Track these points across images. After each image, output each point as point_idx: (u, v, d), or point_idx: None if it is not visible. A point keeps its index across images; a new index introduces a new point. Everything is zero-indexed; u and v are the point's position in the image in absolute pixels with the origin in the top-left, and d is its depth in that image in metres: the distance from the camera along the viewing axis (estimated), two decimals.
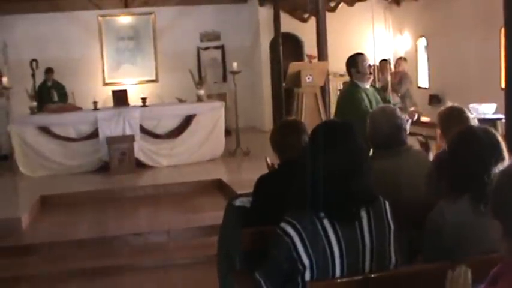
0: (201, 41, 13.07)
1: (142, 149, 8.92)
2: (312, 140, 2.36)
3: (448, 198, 2.40)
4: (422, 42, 11.85)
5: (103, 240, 5.90)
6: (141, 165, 8.83)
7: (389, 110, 3.47)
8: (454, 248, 2.29)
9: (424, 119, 8.08)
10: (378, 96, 5.49)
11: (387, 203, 2.32)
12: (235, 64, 9.72)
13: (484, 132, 2.42)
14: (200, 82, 10.01)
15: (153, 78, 12.95)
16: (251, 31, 12.94)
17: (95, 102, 9.32)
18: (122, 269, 5.36)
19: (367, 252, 2.22)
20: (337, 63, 8.74)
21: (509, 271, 1.55)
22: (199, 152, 9.19)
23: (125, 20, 12.87)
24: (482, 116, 7.33)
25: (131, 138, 8.67)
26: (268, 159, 3.92)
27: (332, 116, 7.07)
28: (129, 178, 8.30)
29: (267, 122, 12.35)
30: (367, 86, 5.43)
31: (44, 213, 7.00)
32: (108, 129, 8.77)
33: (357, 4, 11.63)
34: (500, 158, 2.34)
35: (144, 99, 9.37)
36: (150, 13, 12.82)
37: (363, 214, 2.23)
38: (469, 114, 3.50)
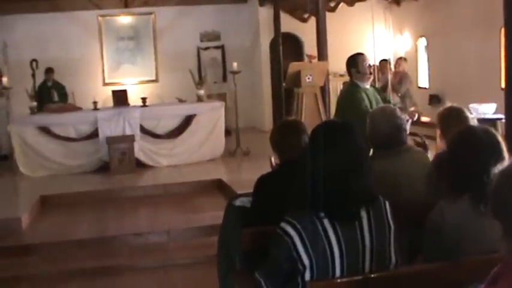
0: (201, 41, 13.07)
1: (142, 149, 8.92)
2: (312, 140, 2.36)
3: (448, 198, 2.40)
4: (422, 42, 11.85)
5: (103, 240, 5.89)
6: (141, 165, 8.83)
7: (389, 110, 3.47)
8: (454, 248, 2.29)
9: (424, 119, 8.08)
10: (378, 96, 5.49)
11: (387, 203, 2.32)
12: (235, 64, 9.72)
13: (484, 132, 2.42)
14: (200, 82, 10.01)
15: (153, 78, 12.96)
16: (251, 31, 12.94)
17: (95, 102, 9.33)
18: (121, 269, 5.36)
19: (367, 252, 2.22)
20: (337, 63, 8.75)
21: (509, 271, 1.55)
22: (199, 152, 9.19)
23: (125, 20, 12.88)
24: (482, 116, 7.33)
25: (131, 138, 8.67)
26: (272, 159, 3.92)
27: (332, 116, 7.07)
28: (129, 178, 8.30)
29: (267, 122, 12.36)
30: (367, 86, 5.44)
31: (44, 213, 7.00)
32: (108, 129, 8.77)
33: (357, 4, 11.63)
34: (500, 158, 2.34)
35: (144, 99, 9.37)
36: (150, 13, 12.83)
37: (363, 214, 2.23)
38: (468, 114, 3.50)
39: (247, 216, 3.15)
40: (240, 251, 3.01)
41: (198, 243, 5.69)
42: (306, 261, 2.15)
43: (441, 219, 2.35)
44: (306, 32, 11.56)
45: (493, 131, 2.47)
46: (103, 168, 8.75)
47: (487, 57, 9.07)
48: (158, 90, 12.32)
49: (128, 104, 9.53)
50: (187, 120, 9.20)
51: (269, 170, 3.87)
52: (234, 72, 9.66)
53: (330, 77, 9.97)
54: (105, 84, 12.59)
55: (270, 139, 3.30)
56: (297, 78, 8.31)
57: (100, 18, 12.66)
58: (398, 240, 2.34)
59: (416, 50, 12.00)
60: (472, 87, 9.56)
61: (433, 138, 4.34)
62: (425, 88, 11.57)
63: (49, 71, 11.20)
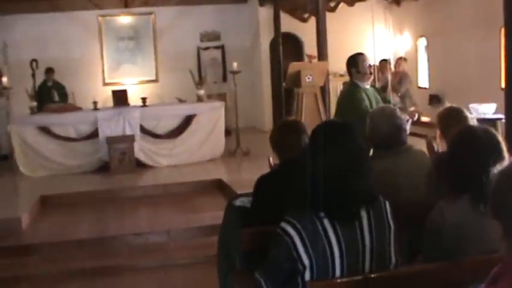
0: (201, 41, 13.07)
1: (142, 149, 8.92)
2: (312, 140, 2.36)
3: (447, 198, 2.40)
4: (422, 42, 11.85)
5: (103, 240, 5.89)
6: (141, 165, 8.83)
7: (389, 110, 3.48)
8: (454, 248, 2.29)
9: (424, 119, 8.07)
10: (378, 96, 5.49)
11: (387, 203, 2.32)
12: (235, 64, 9.71)
13: (484, 132, 2.42)
14: (200, 82, 10.01)
15: (153, 78, 12.95)
16: (251, 31, 12.94)
17: (95, 102, 9.33)
18: (121, 269, 5.36)
19: (367, 252, 2.22)
20: (337, 63, 8.75)
21: (509, 271, 1.55)
22: (199, 152, 9.19)
23: (125, 20, 12.88)
24: (482, 116, 7.33)
25: (131, 138, 8.67)
26: (271, 159, 3.92)
27: (332, 116, 7.06)
28: (129, 178, 8.30)
29: (267, 122, 12.35)
30: (367, 86, 5.44)
31: (44, 213, 7.00)
32: (108, 129, 8.77)
33: (357, 4, 11.63)
34: (500, 158, 2.34)
35: (144, 99, 9.37)
36: (150, 13, 12.83)
37: (363, 214, 2.23)
38: (467, 114, 3.50)
39: (247, 216, 3.15)
40: (240, 251, 3.01)
41: (198, 243, 5.69)
42: (306, 261, 2.15)
43: (441, 219, 2.36)
44: (306, 32, 11.55)
45: (493, 131, 2.47)
46: (103, 168, 8.75)
47: (487, 57, 9.07)
48: (158, 90, 12.32)
49: (128, 104, 9.53)
50: (187, 120, 9.20)
51: (268, 170, 3.87)
52: (234, 72, 9.66)
53: (330, 77, 9.97)
54: (105, 84, 12.59)
55: (269, 139, 3.30)
56: (297, 78, 8.31)
57: (100, 18, 12.66)
58: (398, 240, 2.34)
59: (416, 50, 12.00)
60: (472, 87, 9.56)
61: (433, 139, 4.33)
62: (425, 88, 11.56)
63: (49, 71, 11.20)
